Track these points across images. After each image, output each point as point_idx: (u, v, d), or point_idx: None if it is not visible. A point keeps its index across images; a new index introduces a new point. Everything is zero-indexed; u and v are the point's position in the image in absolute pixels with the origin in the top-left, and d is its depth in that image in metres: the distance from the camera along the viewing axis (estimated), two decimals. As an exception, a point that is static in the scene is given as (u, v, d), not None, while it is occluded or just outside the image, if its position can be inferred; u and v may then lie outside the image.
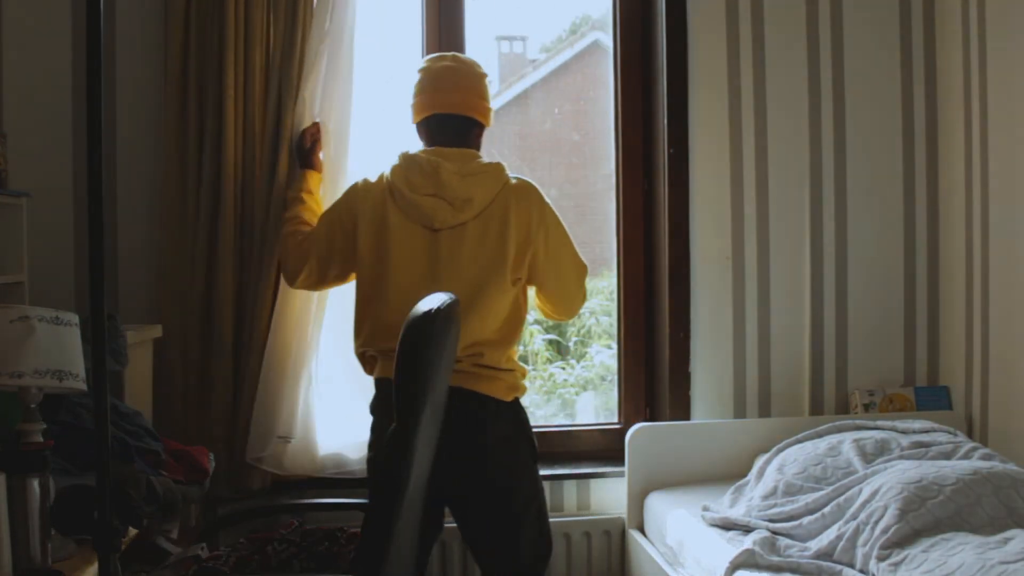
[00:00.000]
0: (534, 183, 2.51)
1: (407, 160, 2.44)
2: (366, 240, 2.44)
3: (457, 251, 2.39)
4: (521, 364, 2.55)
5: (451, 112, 2.47)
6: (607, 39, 3.39)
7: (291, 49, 2.80)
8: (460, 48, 3.15)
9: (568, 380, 3.51)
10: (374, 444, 2.49)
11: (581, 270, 2.58)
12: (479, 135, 2.54)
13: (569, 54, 3.55)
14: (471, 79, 2.51)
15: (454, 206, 2.38)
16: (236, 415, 2.82)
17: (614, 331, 3.36)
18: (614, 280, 3.34)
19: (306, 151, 2.77)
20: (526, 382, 2.55)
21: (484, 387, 2.40)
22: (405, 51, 3.06)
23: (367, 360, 2.49)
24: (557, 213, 2.51)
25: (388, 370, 2.39)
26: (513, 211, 2.42)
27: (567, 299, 2.60)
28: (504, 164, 2.48)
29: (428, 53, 3.14)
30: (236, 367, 2.82)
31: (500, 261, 2.40)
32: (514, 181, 2.47)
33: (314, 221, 2.63)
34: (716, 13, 3.19)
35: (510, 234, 2.40)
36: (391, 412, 2.38)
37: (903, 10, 3.30)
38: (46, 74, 2.86)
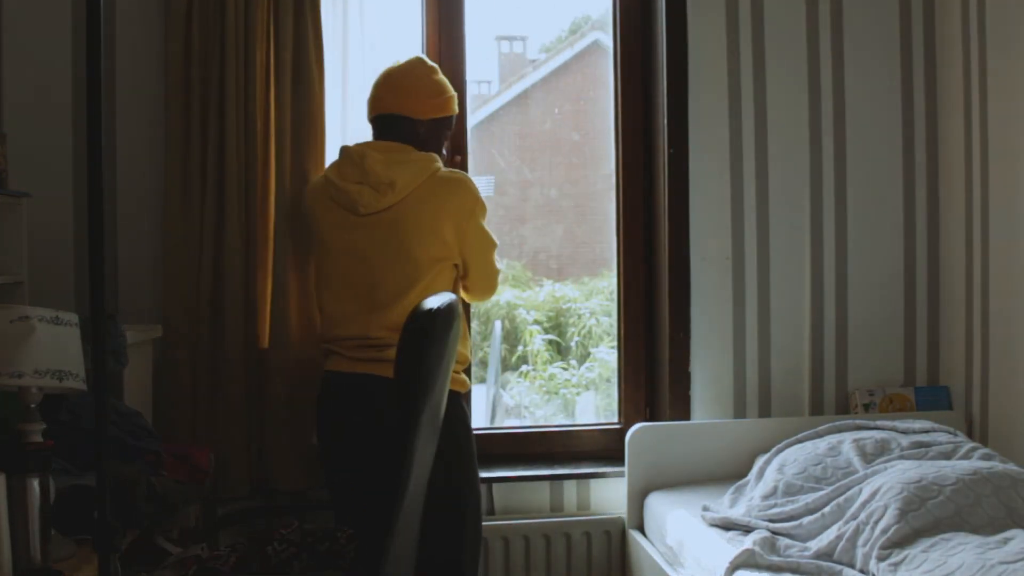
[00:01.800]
0: (465, 175, 2.61)
1: (342, 152, 2.59)
2: (308, 232, 2.63)
3: (388, 236, 2.48)
4: (464, 352, 2.57)
5: (380, 112, 2.61)
6: (607, 39, 3.39)
7: (291, 48, 2.80)
8: (460, 48, 3.15)
9: (571, 380, 3.51)
10: (321, 438, 2.56)
11: (494, 271, 2.64)
12: (419, 128, 2.59)
13: (569, 54, 3.56)
14: (402, 79, 2.61)
15: (378, 191, 2.47)
16: (250, 414, 2.82)
17: (614, 331, 3.36)
18: (614, 280, 3.34)
19: None
20: (463, 376, 2.60)
21: None
22: (405, 51, 3.06)
23: (323, 353, 2.60)
24: (485, 208, 2.59)
25: (336, 364, 2.52)
26: (444, 198, 2.50)
27: (483, 291, 2.68)
28: (437, 157, 2.57)
29: (428, 53, 3.15)
30: (247, 366, 2.82)
31: (435, 246, 2.48)
32: (444, 171, 2.55)
33: None
34: (716, 13, 3.19)
35: (443, 220, 2.48)
36: (337, 406, 2.48)
37: (903, 11, 3.30)
38: (46, 74, 2.86)
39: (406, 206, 2.48)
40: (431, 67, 2.65)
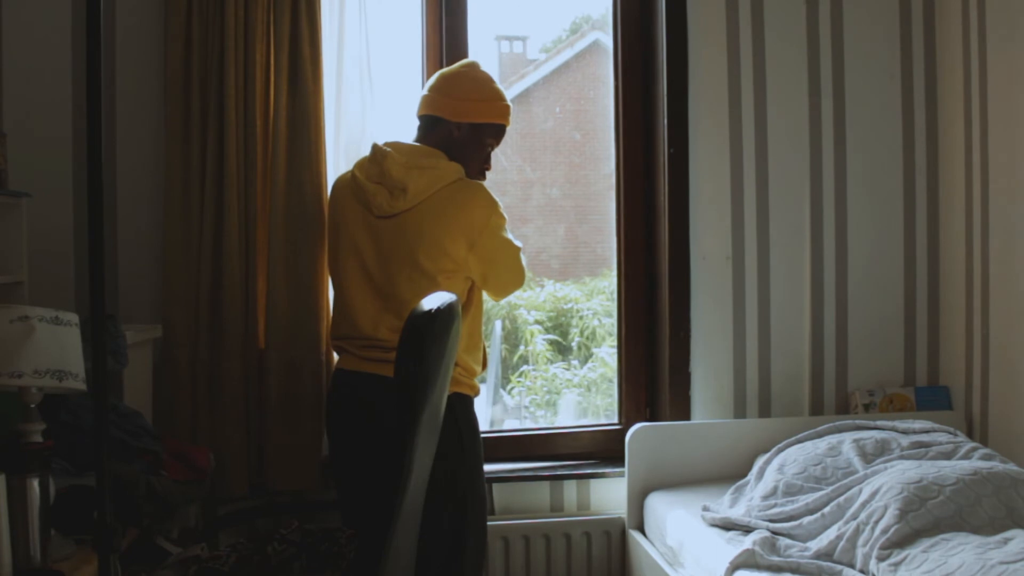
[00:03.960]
0: (480, 184, 2.53)
1: (371, 149, 2.55)
2: (321, 229, 2.70)
3: (399, 243, 2.45)
4: (471, 364, 2.54)
5: (421, 113, 2.59)
6: (607, 39, 3.39)
7: (287, 48, 2.80)
8: (461, 48, 3.15)
9: (572, 380, 3.51)
10: (331, 436, 2.56)
11: (518, 276, 2.58)
12: (453, 132, 2.53)
13: (569, 54, 3.56)
14: (444, 79, 2.58)
15: (392, 195, 2.45)
16: (249, 414, 2.82)
17: (615, 331, 3.35)
18: (614, 280, 3.34)
19: None
20: (477, 381, 2.57)
21: None
22: (405, 52, 3.07)
23: (336, 350, 2.62)
24: (504, 217, 2.52)
25: (345, 362, 2.53)
26: (456, 213, 2.44)
27: (502, 293, 2.66)
28: (462, 169, 2.51)
29: (428, 53, 3.15)
30: (247, 366, 2.82)
31: (443, 261, 2.43)
32: (461, 182, 2.49)
33: None
34: (716, 13, 3.19)
35: (454, 236, 2.43)
36: (341, 404, 2.49)
37: (903, 10, 3.30)
38: (46, 74, 2.86)
39: (417, 216, 2.43)
40: (481, 72, 2.58)
